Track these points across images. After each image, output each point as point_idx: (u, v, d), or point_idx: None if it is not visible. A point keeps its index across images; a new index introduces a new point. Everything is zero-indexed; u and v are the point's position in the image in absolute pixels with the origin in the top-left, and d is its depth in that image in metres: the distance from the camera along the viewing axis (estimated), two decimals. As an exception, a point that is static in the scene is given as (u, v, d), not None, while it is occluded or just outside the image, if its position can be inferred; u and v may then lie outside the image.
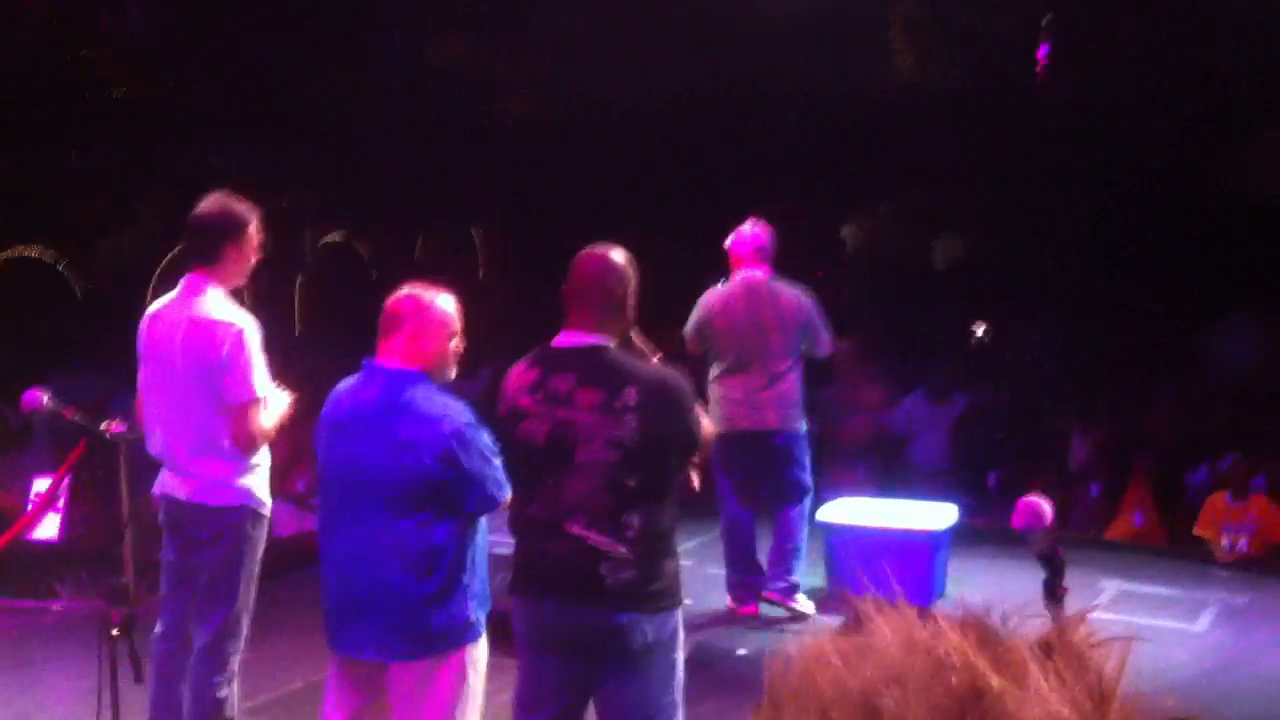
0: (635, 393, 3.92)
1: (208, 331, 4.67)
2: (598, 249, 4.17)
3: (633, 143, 12.71)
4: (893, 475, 9.37)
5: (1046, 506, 4.93)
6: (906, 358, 11.20)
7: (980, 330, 11.61)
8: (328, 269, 15.73)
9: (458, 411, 4.10)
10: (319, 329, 13.95)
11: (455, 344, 4.28)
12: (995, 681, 0.61)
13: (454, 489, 4.03)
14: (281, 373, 4.91)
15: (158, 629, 4.87)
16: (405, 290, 4.27)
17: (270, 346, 4.84)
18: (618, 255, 4.15)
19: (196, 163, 12.51)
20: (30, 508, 7.64)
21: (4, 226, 14.00)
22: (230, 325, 4.69)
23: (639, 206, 12.24)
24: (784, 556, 7.18)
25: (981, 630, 0.64)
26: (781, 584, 7.17)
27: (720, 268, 7.23)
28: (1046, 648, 0.63)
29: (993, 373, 11.25)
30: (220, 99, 12.40)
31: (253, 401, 4.68)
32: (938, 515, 7.52)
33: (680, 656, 4.08)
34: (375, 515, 4.07)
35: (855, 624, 0.70)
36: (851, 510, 7.78)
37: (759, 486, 7.18)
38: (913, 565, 7.13)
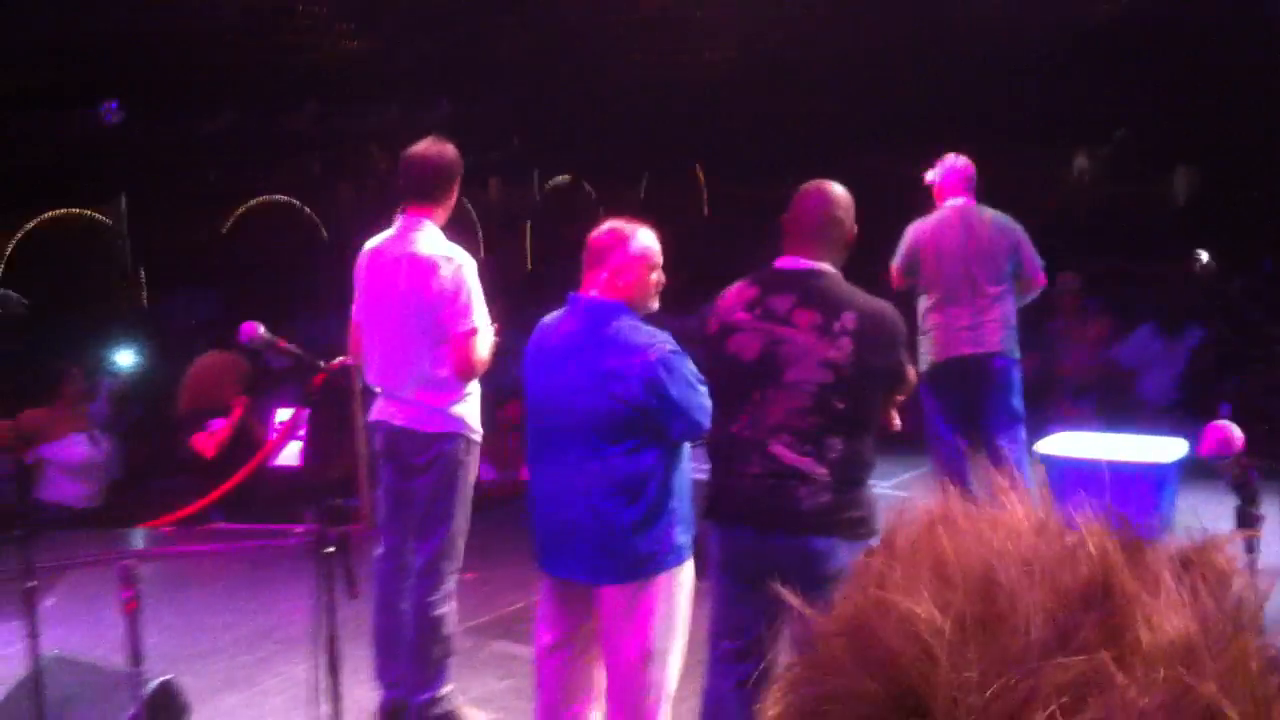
0: (853, 318, 3.94)
1: (429, 266, 4.86)
2: (817, 182, 4.22)
3: (848, 82, 12.54)
4: (1120, 411, 9.09)
5: (1235, 432, 4.75)
6: (1137, 291, 10.81)
7: (1205, 258, 11.11)
8: (556, 210, 16.01)
9: (662, 340, 4.16)
10: (549, 268, 14.23)
11: (657, 276, 4.34)
12: (1128, 582, 0.58)
13: (660, 416, 4.09)
14: (510, 311, 5.05)
15: (379, 550, 5.10)
16: (606, 225, 4.35)
17: (501, 285, 4.99)
18: (836, 188, 4.19)
19: (424, 114, 12.87)
20: (273, 436, 8.08)
21: (247, 179, 14.69)
22: (450, 259, 4.87)
23: (856, 144, 12.09)
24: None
25: (1122, 532, 0.63)
26: None
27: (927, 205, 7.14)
28: (1185, 562, 0.60)
29: (1226, 305, 10.76)
30: (438, 54, 12.71)
31: (472, 332, 4.85)
32: (1166, 448, 7.28)
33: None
34: (582, 443, 4.16)
35: (990, 499, 0.68)
36: (1075, 443, 7.60)
37: (975, 413, 7.07)
38: (1139, 499, 6.93)
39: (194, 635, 6.06)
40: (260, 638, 6.12)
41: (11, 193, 12.47)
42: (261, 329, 4.17)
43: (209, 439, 8.09)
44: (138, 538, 7.69)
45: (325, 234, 15.33)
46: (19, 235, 13.48)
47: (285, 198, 15.34)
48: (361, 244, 5.21)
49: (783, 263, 4.13)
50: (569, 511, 4.23)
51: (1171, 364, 9.75)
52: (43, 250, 13.32)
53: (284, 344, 4.33)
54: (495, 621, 6.16)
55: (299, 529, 7.66)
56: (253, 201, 15.21)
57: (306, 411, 7.91)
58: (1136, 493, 6.98)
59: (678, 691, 4.41)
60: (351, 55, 12.73)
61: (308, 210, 15.46)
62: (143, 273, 14.10)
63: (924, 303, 6.91)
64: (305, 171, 15.19)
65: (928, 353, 6.86)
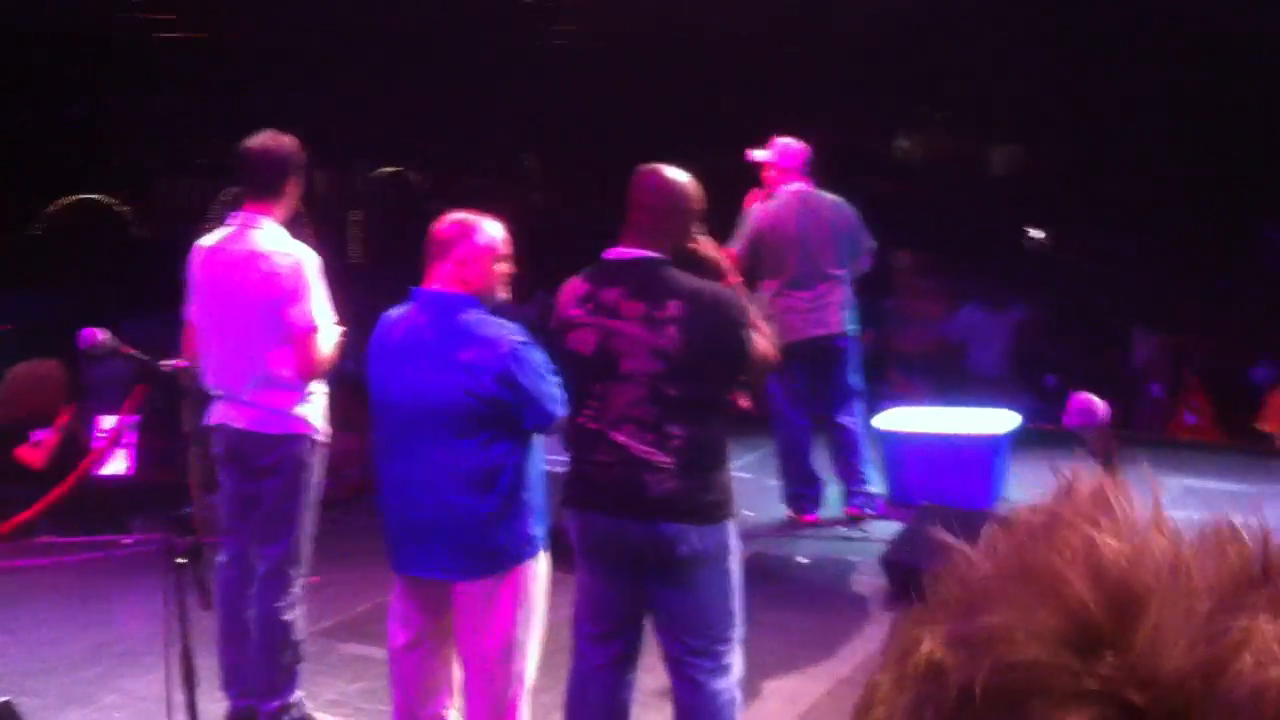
0: (678, 305, 3.93)
1: (269, 263, 4.74)
2: (653, 166, 4.18)
3: (680, 62, 12.61)
4: (951, 384, 9.33)
5: (1099, 403, 4.89)
6: (963, 267, 11.10)
7: (1037, 234, 11.47)
8: (381, 201, 15.80)
9: (511, 332, 4.14)
10: (375, 261, 14.03)
11: (503, 267, 4.31)
12: None
13: (513, 408, 4.08)
14: (339, 305, 4.95)
15: (221, 558, 4.97)
16: (450, 216, 4.30)
17: (327, 280, 4.89)
18: (674, 172, 4.15)
19: (244, 104, 12.57)
20: (98, 443, 7.80)
21: (62, 174, 14.18)
22: (292, 256, 4.76)
23: (687, 127, 12.16)
24: (854, 469, 7.23)
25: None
26: (861, 497, 7.23)
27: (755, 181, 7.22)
28: None
29: (1050, 279, 11.13)
30: (264, 39, 12.43)
31: (315, 330, 4.74)
32: (998, 420, 7.50)
33: (735, 568, 4.09)
34: (435, 438, 4.12)
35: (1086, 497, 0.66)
36: (910, 418, 7.78)
37: (818, 392, 7.21)
38: (973, 470, 7.12)
39: (27, 653, 5.81)
40: (97, 652, 5.89)
41: None
42: (102, 334, 4.02)
43: (35, 450, 7.77)
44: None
45: (142, 233, 14.89)
46: None
47: (99, 196, 14.85)
48: (182, 242, 5.05)
49: (613, 253, 4.12)
50: (422, 508, 4.18)
51: (997, 338, 10.03)
52: None
53: (126, 348, 4.18)
54: (343, 624, 6.04)
55: (129, 539, 7.42)
56: (65, 200, 14.70)
57: (133, 418, 7.68)
58: (971, 464, 7.18)
59: (536, 682, 4.40)
60: (170, 46, 12.37)
61: (123, 209, 14.99)
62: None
63: (769, 286, 6.99)
64: (122, 168, 14.71)
65: (778, 334, 6.95)
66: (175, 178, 14.90)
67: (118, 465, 7.81)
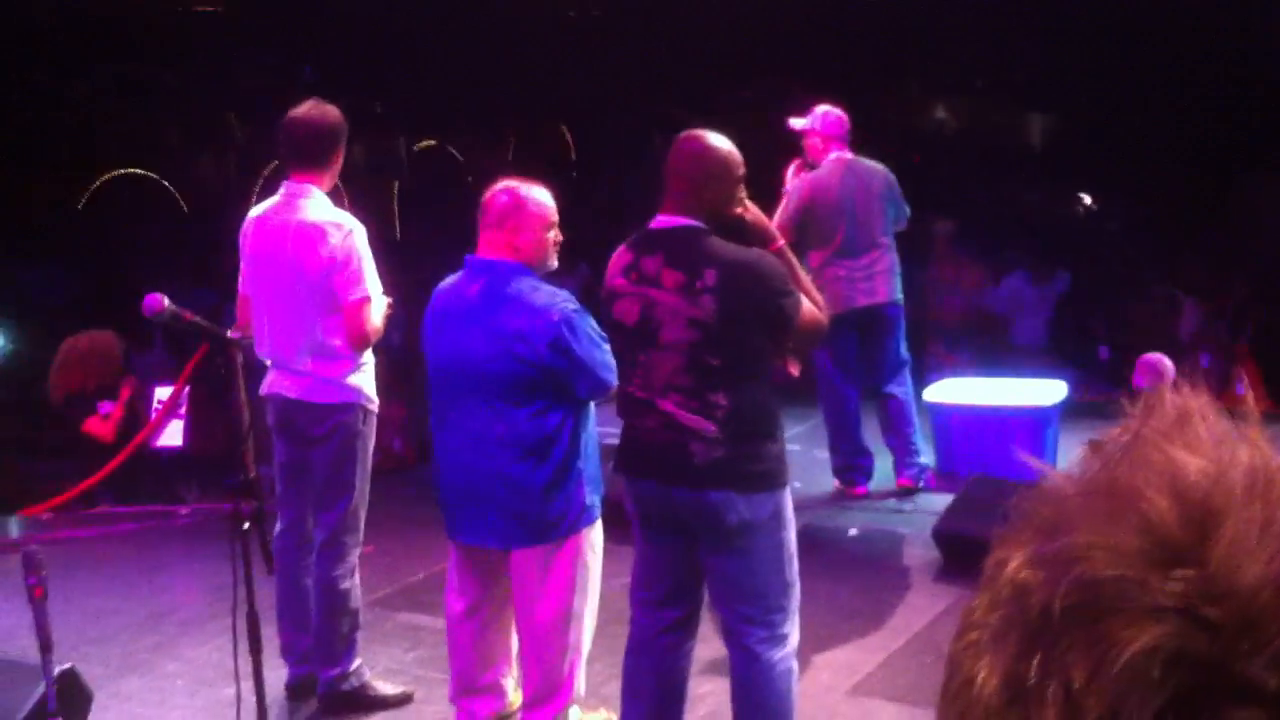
0: (714, 274, 3.90)
1: (319, 233, 4.75)
2: (694, 133, 4.13)
3: (712, 29, 12.55)
4: (994, 356, 9.30)
5: (1168, 363, 4.83)
6: (1006, 237, 11.05)
7: (1087, 200, 11.40)
8: (423, 174, 15.81)
9: (564, 299, 4.17)
10: (417, 233, 14.06)
11: (553, 235, 4.33)
12: None
13: (566, 376, 4.11)
14: (383, 278, 4.97)
15: (277, 527, 5.00)
16: (501, 185, 4.32)
17: (373, 251, 4.91)
18: (714, 139, 4.10)
19: (283, 76, 12.59)
20: (154, 415, 7.87)
21: (102, 151, 14.24)
22: (341, 226, 4.77)
23: (727, 94, 12.13)
24: (906, 440, 7.22)
25: None
26: (914, 469, 7.23)
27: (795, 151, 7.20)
28: None
29: (1096, 248, 11.05)
30: (298, 12, 12.45)
31: (365, 300, 4.76)
32: (1047, 391, 7.47)
33: (790, 537, 4.07)
34: (488, 406, 4.15)
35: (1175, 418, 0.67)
36: (959, 390, 7.76)
37: (866, 363, 7.20)
38: (1024, 441, 7.09)
39: (88, 621, 5.88)
40: (156, 621, 5.97)
41: None
42: (166, 301, 4.04)
43: (104, 423, 7.85)
44: (21, 525, 7.46)
45: (186, 207, 14.95)
46: None
47: (142, 171, 14.92)
48: (225, 216, 5.07)
49: (655, 222, 4.09)
50: (477, 477, 4.21)
51: (1042, 309, 9.98)
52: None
53: (190, 316, 4.21)
54: (399, 593, 6.09)
55: (187, 509, 7.50)
56: (108, 175, 14.77)
57: (187, 389, 7.75)
58: (1022, 435, 7.16)
59: (591, 651, 4.43)
60: (207, 19, 12.40)
61: (165, 183, 15.06)
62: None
63: (816, 256, 6.97)
64: (163, 142, 14.76)
65: (829, 303, 6.94)
66: (219, 151, 14.95)
67: (173, 436, 7.88)
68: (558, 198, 4.41)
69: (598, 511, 4.36)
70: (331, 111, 4.93)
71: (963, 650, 0.62)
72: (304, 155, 4.89)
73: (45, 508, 7.45)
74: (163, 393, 7.98)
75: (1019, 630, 0.59)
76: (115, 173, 14.70)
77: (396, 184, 15.49)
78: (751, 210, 4.22)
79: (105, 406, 7.87)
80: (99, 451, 7.70)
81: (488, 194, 4.32)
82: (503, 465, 4.16)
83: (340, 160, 4.99)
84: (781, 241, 4.29)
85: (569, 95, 14.65)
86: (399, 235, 14.61)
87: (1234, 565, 0.55)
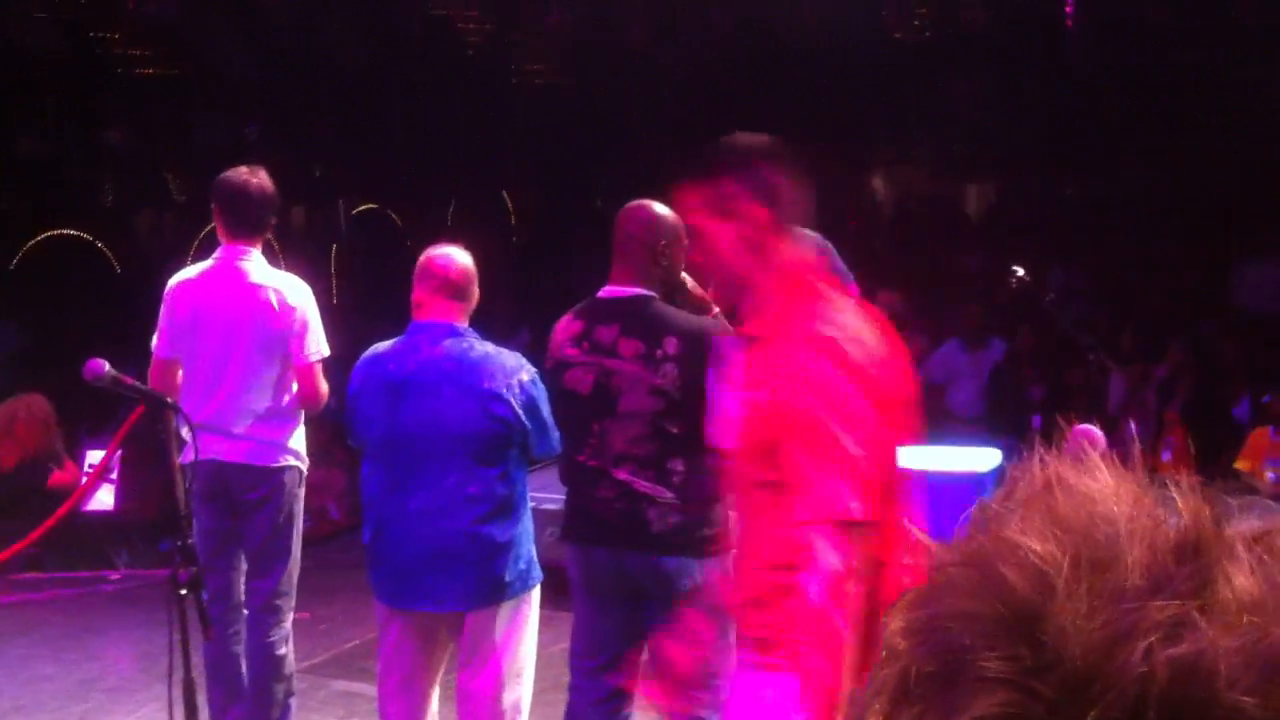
0: (675, 342, 3.95)
1: (274, 294, 4.75)
2: (640, 202, 4.18)
3: (656, 97, 12.71)
4: (931, 424, 9.37)
5: (1098, 433, 4.91)
6: (941, 306, 11.19)
7: (1020, 272, 11.59)
8: (361, 238, 15.80)
9: (524, 360, 4.23)
10: (354, 296, 14.03)
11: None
12: (1214, 544, 0.62)
13: (531, 436, 4.17)
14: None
15: (205, 594, 4.91)
16: (440, 250, 4.34)
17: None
18: (659, 208, 4.14)
19: (224, 138, 12.59)
20: (84, 480, 7.75)
21: (40, 209, 14.13)
22: (297, 289, 4.80)
23: (664, 161, 12.24)
24: None
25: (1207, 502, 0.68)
26: None
27: None
28: (1255, 538, 0.64)
29: (1028, 317, 11.22)
30: (242, 74, 12.47)
31: (321, 360, 4.80)
32: (980, 459, 7.55)
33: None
34: (458, 466, 4.15)
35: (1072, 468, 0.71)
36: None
37: None
38: (956, 507, 7.14)
39: (19, 688, 5.78)
40: (86, 688, 5.86)
41: None
42: (107, 366, 4.00)
43: (67, 476, 7.72)
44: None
45: (118, 268, 14.83)
46: None
47: (75, 232, 14.80)
48: (158, 276, 5.04)
49: (605, 292, 4.13)
50: (440, 539, 4.18)
51: (976, 377, 10.08)
52: None
53: (130, 381, 4.17)
54: (333, 660, 6.04)
55: (117, 574, 7.38)
56: (41, 236, 14.64)
57: (119, 452, 7.64)
58: (955, 501, 7.22)
59: (530, 717, 4.41)
60: (152, 80, 12.38)
61: (99, 244, 14.94)
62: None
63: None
64: (100, 202, 14.67)
65: None
66: (155, 212, 14.87)
67: (104, 500, 7.77)
68: (498, 264, 4.45)
69: (540, 571, 4.37)
70: (265, 176, 4.94)
71: (864, 699, 0.65)
72: (245, 221, 4.88)
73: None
74: (93, 456, 7.87)
75: (891, 690, 0.63)
76: (51, 233, 14.58)
77: (335, 247, 15.47)
78: (688, 278, 4.27)
79: (57, 474, 7.73)
80: (23, 510, 7.56)
81: (431, 259, 4.32)
82: (475, 525, 4.17)
83: (272, 225, 5.04)
84: (716, 309, 4.34)
85: (512, 160, 14.74)
86: (335, 299, 14.59)
87: (1062, 638, 0.59)
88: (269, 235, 5.01)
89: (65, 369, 4.63)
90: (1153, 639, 0.57)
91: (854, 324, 2.78)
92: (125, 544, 7.69)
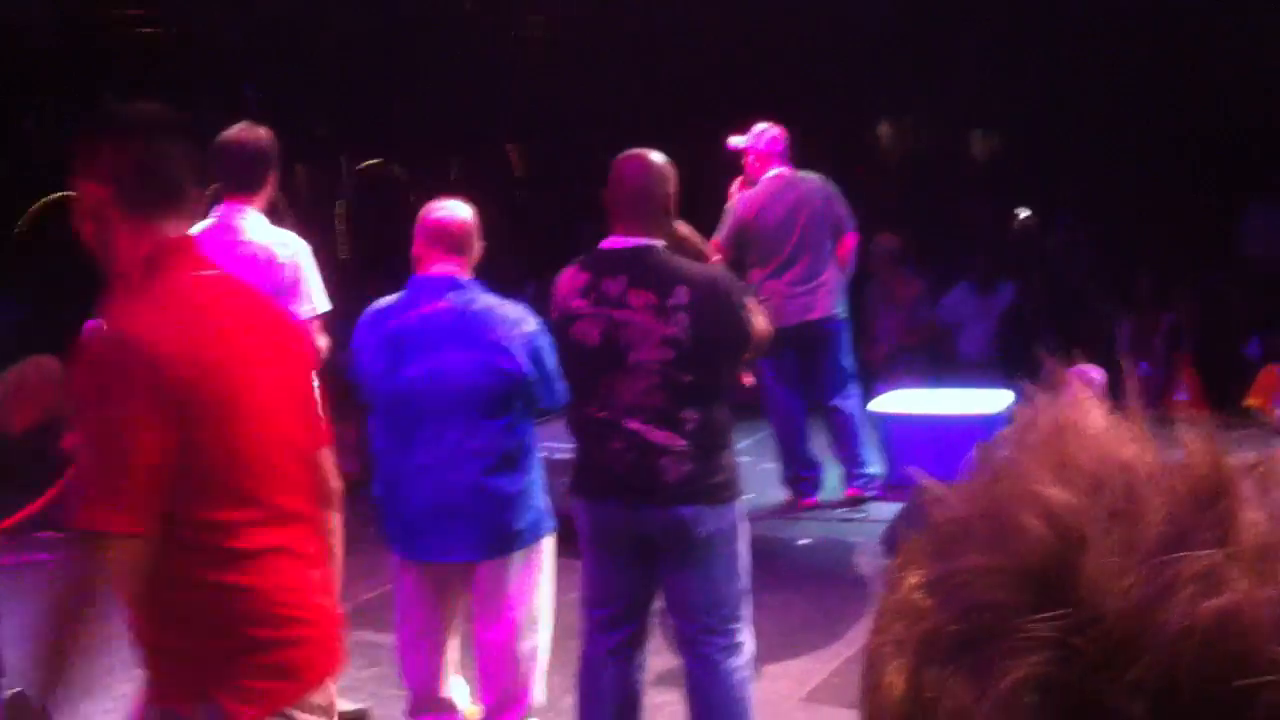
0: (686, 291, 3.96)
1: (266, 253, 4.72)
2: (636, 152, 4.19)
3: (656, 48, 12.63)
4: (941, 368, 9.39)
5: (1095, 374, 4.94)
6: (949, 251, 11.16)
7: (1023, 214, 11.57)
8: (366, 194, 15.76)
9: (528, 311, 4.22)
10: (361, 252, 14.01)
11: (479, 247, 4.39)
12: (1235, 487, 0.60)
13: (537, 386, 4.18)
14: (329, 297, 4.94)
15: None
16: (439, 204, 4.34)
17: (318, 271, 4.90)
18: (657, 156, 4.16)
19: (227, 100, 12.54)
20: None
21: (40, 177, 14.10)
22: (289, 246, 4.77)
23: (668, 113, 12.19)
24: (853, 452, 7.29)
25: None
26: (861, 479, 7.29)
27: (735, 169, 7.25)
28: (1254, 470, 0.62)
29: (1037, 261, 11.20)
30: (238, 37, 12.41)
31: (316, 317, 4.75)
32: (992, 400, 7.56)
33: (743, 547, 4.15)
34: (465, 420, 4.17)
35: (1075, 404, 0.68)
36: (905, 401, 7.84)
37: (811, 375, 7.25)
38: (970, 449, 7.15)
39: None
40: (106, 643, 5.89)
41: None
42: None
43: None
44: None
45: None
46: None
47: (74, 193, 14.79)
48: None
49: (609, 243, 4.13)
50: (452, 492, 4.21)
51: (986, 320, 10.08)
52: None
53: None
54: (354, 611, 6.00)
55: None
56: (48, 198, 14.61)
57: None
58: (967, 444, 7.23)
59: (548, 664, 4.44)
60: (149, 42, 12.33)
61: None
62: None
63: (757, 272, 7.02)
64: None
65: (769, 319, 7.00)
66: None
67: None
68: (501, 218, 4.45)
69: (553, 520, 4.39)
70: (262, 133, 4.92)
71: (876, 650, 0.64)
72: (237, 178, 4.85)
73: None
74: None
75: (914, 646, 0.61)
76: (52, 196, 14.55)
77: (339, 203, 15.43)
78: (681, 226, 4.28)
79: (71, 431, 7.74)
80: (40, 470, 7.59)
81: (430, 213, 4.33)
82: (480, 477, 4.19)
83: (274, 181, 4.94)
84: (717, 255, 4.36)
85: (515, 115, 14.68)
86: (341, 255, 14.56)
87: (1099, 594, 0.57)
88: (268, 192, 4.94)
89: (70, 336, 4.62)
90: (1190, 591, 0.56)
91: (177, 319, 2.62)
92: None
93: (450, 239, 4.27)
